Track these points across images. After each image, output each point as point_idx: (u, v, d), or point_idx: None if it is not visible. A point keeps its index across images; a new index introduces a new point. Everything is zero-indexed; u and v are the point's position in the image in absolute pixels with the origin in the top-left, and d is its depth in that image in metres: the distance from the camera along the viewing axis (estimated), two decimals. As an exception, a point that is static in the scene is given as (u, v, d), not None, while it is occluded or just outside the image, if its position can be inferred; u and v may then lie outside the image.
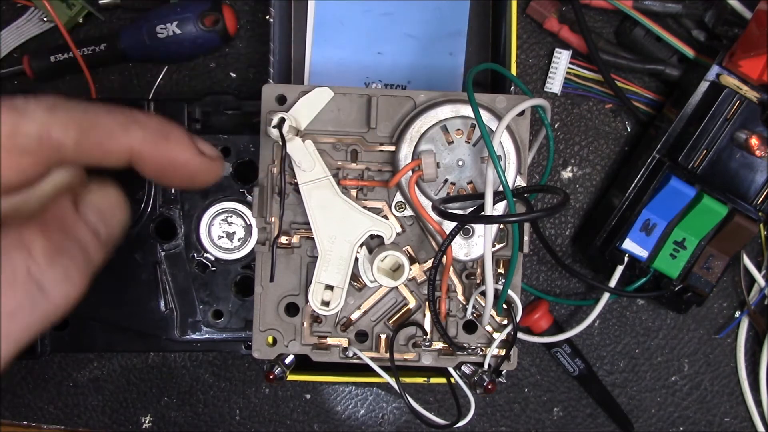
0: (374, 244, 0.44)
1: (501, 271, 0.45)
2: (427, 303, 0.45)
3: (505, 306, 0.44)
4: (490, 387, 0.44)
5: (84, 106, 0.29)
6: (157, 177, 0.31)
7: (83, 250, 0.29)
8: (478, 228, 0.43)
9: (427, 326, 0.46)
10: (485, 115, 0.43)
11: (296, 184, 0.43)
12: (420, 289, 0.46)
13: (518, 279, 0.45)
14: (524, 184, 0.44)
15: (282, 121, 0.41)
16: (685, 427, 0.60)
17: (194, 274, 0.51)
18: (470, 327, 0.46)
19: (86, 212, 0.30)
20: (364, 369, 0.45)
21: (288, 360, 0.45)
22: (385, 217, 0.44)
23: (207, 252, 0.51)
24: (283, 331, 0.45)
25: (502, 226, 0.44)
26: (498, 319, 0.45)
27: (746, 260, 0.57)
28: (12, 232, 0.27)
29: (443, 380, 0.47)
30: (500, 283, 0.44)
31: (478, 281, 0.45)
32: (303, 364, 0.46)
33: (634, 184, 0.53)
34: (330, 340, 0.45)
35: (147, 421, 0.58)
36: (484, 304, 0.43)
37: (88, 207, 0.30)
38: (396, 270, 0.43)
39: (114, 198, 0.31)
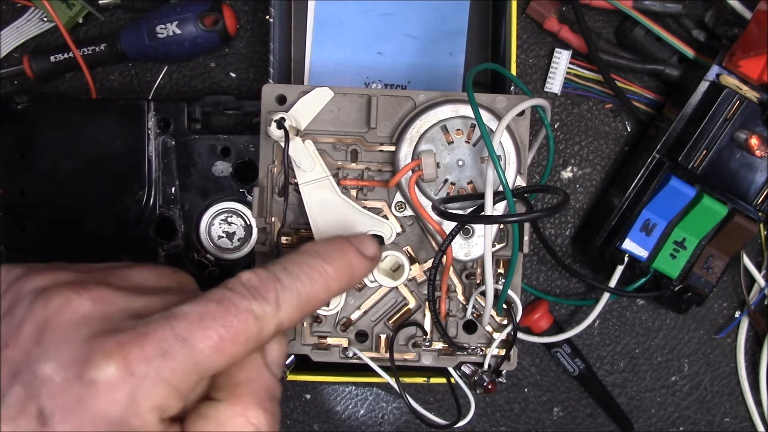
0: (374, 244, 0.44)
1: (501, 271, 0.45)
2: (427, 303, 0.45)
3: (505, 306, 0.44)
4: (490, 387, 0.44)
5: (295, 281, 0.33)
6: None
7: (276, 401, 0.34)
8: (478, 228, 0.43)
9: (427, 326, 0.46)
10: (485, 115, 0.43)
11: (296, 184, 0.43)
12: (420, 289, 0.46)
13: (518, 279, 0.45)
14: (524, 184, 0.44)
15: (282, 120, 0.41)
16: (685, 427, 0.60)
17: (194, 274, 0.51)
18: (470, 327, 0.46)
19: (274, 369, 0.34)
20: (364, 369, 0.45)
21: (288, 360, 0.45)
22: (385, 217, 0.44)
23: (207, 252, 0.51)
24: (283, 331, 0.45)
25: (502, 226, 0.44)
26: (498, 319, 0.45)
27: (746, 260, 0.57)
28: (241, 416, 0.32)
29: (443, 380, 0.47)
30: (500, 283, 0.44)
31: (478, 281, 0.45)
32: (303, 364, 0.46)
33: (634, 184, 0.53)
34: (330, 340, 0.45)
35: (147, 421, 0.58)
36: (484, 304, 0.43)
37: (274, 365, 0.35)
38: (396, 270, 0.43)
39: (285, 346, 0.36)
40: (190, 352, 0.29)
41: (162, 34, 0.53)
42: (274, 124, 0.41)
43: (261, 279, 0.33)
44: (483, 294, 0.43)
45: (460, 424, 0.45)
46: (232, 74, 0.57)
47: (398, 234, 0.45)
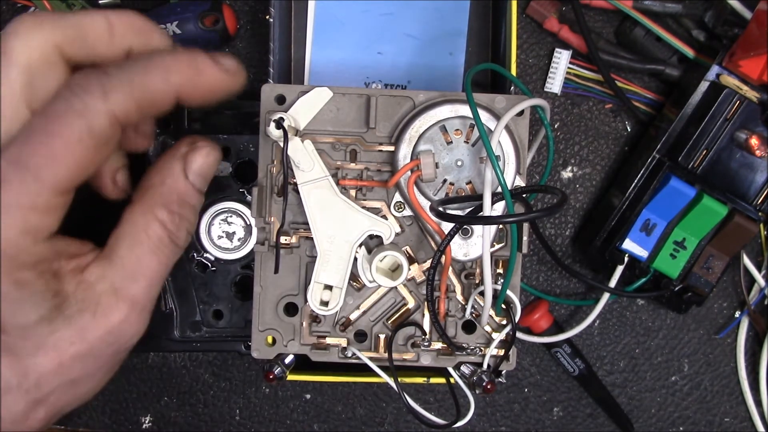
0: (373, 244, 0.44)
1: (500, 271, 0.45)
2: (426, 303, 0.45)
3: (504, 306, 0.44)
4: (489, 387, 0.44)
5: (128, 72, 0.33)
6: (200, 102, 0.36)
7: (194, 208, 0.38)
8: (477, 228, 0.43)
9: (426, 326, 0.46)
10: (484, 115, 0.43)
11: (295, 184, 0.43)
12: (419, 289, 0.46)
13: (517, 279, 0.45)
14: (523, 185, 0.44)
15: (281, 120, 0.41)
16: (685, 427, 0.60)
17: (194, 274, 0.51)
18: (469, 327, 0.46)
19: (194, 179, 0.37)
20: (364, 369, 0.45)
21: (287, 360, 0.45)
22: (384, 217, 0.44)
23: (207, 252, 0.51)
24: (282, 331, 0.45)
25: (500, 226, 0.44)
26: (497, 319, 0.45)
27: (746, 260, 0.56)
28: (148, 213, 0.36)
29: (443, 380, 0.47)
30: (499, 283, 0.44)
31: (477, 281, 0.45)
32: (303, 364, 0.46)
33: (634, 184, 0.53)
34: (329, 340, 0.45)
35: (147, 421, 0.58)
36: (483, 304, 0.43)
37: (194, 174, 0.37)
38: (395, 270, 0.43)
39: (213, 157, 0.38)
40: (28, 173, 0.31)
41: (162, 34, 0.53)
42: (273, 124, 0.41)
43: (85, 74, 0.32)
44: (482, 294, 0.43)
45: (460, 424, 0.45)
46: (232, 74, 0.57)
47: (397, 234, 0.45)
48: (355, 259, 0.43)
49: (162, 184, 0.37)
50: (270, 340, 0.45)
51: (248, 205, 0.50)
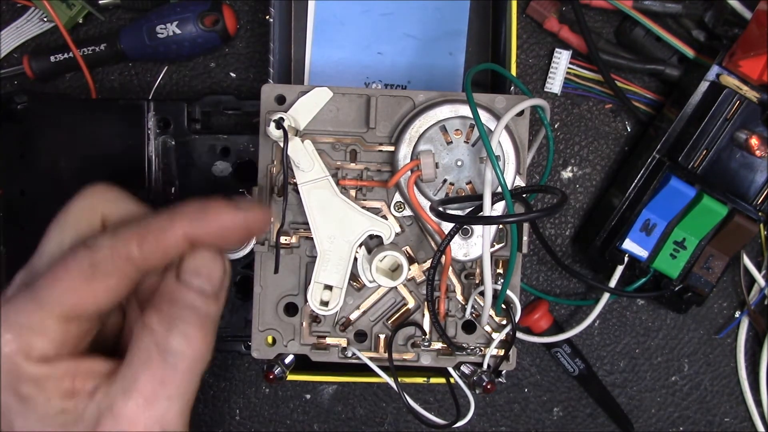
0: (373, 244, 0.44)
1: (500, 271, 0.45)
2: (426, 303, 0.45)
3: (503, 306, 0.44)
4: (489, 387, 0.44)
5: (134, 218, 0.35)
6: (219, 243, 0.36)
7: (193, 309, 0.35)
8: (477, 228, 0.43)
9: (426, 326, 0.46)
10: (484, 116, 0.43)
11: (295, 184, 0.43)
12: (419, 289, 0.46)
13: (517, 279, 0.45)
14: (523, 185, 0.44)
15: (281, 120, 0.41)
16: (685, 427, 0.60)
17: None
18: (469, 327, 0.46)
19: (186, 278, 0.35)
20: (364, 369, 0.45)
21: (288, 360, 0.45)
22: (384, 217, 0.44)
23: (207, 252, 0.51)
24: (282, 331, 0.45)
25: (500, 226, 0.44)
26: (497, 319, 0.45)
27: (746, 260, 0.56)
28: (139, 323, 0.34)
29: (443, 380, 0.47)
30: (499, 283, 0.44)
31: (477, 281, 0.45)
32: (303, 364, 0.46)
33: (634, 184, 0.53)
34: (329, 340, 0.45)
35: (147, 421, 0.58)
36: (483, 304, 0.43)
37: (186, 273, 0.35)
38: (395, 270, 0.43)
39: (205, 256, 0.36)
40: (32, 296, 0.33)
41: (162, 34, 0.53)
42: (273, 124, 0.41)
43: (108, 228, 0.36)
44: (482, 294, 0.43)
45: (460, 424, 0.45)
46: (232, 74, 0.57)
47: (397, 234, 0.45)
48: (355, 259, 0.43)
49: (157, 292, 0.35)
50: (270, 340, 0.45)
51: (248, 205, 0.50)
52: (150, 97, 0.57)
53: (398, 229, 0.45)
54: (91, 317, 0.35)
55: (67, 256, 0.34)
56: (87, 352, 0.36)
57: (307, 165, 0.43)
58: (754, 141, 0.50)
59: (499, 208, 0.42)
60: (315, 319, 0.45)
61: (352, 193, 0.44)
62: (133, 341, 0.34)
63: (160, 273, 0.36)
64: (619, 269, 0.53)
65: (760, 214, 0.51)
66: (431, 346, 0.46)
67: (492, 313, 0.45)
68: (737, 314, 0.58)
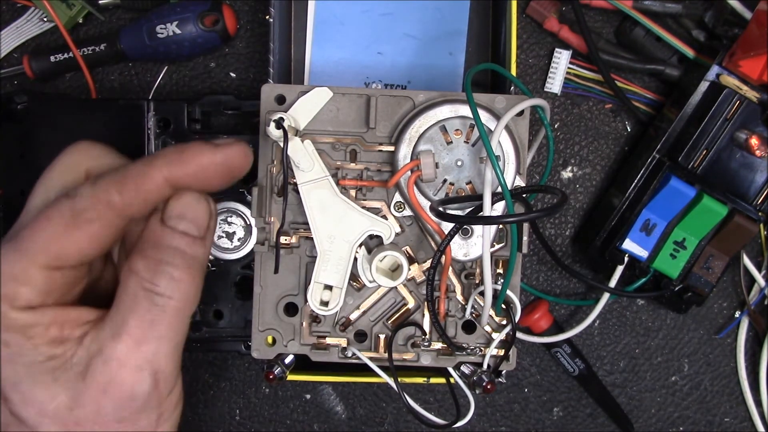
0: (373, 244, 0.44)
1: (500, 271, 0.45)
2: (426, 303, 0.45)
3: (503, 306, 0.44)
4: (489, 387, 0.44)
5: (114, 169, 0.35)
6: (202, 185, 0.36)
7: (179, 252, 0.35)
8: (477, 228, 0.43)
9: (426, 326, 0.46)
10: (484, 116, 0.43)
11: (295, 184, 0.43)
12: (419, 289, 0.46)
13: (517, 279, 0.45)
14: (523, 185, 0.44)
15: (281, 120, 0.41)
16: (685, 427, 0.60)
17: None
18: (469, 327, 0.46)
19: (170, 222, 0.35)
20: (364, 369, 0.45)
21: (288, 360, 0.45)
22: (384, 217, 0.44)
23: (207, 252, 0.51)
24: (282, 331, 0.45)
25: (500, 226, 0.44)
26: (497, 319, 0.45)
27: (746, 260, 0.56)
28: (124, 267, 0.35)
29: (443, 380, 0.47)
30: (499, 283, 0.44)
31: (477, 281, 0.45)
32: (303, 364, 0.46)
33: (634, 184, 0.53)
34: (329, 340, 0.45)
35: (147, 421, 0.58)
36: (483, 304, 0.43)
37: (170, 217, 0.35)
38: (395, 270, 0.43)
39: (189, 199, 0.36)
40: (15, 247, 0.34)
41: (162, 34, 0.53)
42: (273, 124, 0.41)
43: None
44: (482, 294, 0.43)
45: (460, 424, 0.45)
46: (232, 74, 0.57)
47: (397, 234, 0.45)
48: (355, 259, 0.43)
49: (141, 237, 0.36)
50: (270, 340, 0.45)
51: (248, 205, 0.50)
52: (150, 97, 0.57)
53: (398, 229, 0.45)
54: (75, 265, 0.35)
55: (49, 206, 0.34)
56: (76, 303, 0.36)
57: (307, 165, 0.43)
58: (754, 141, 0.50)
59: (499, 208, 0.42)
60: (315, 319, 0.45)
61: (352, 193, 0.44)
62: (120, 286, 0.35)
63: (145, 221, 0.37)
64: (619, 269, 0.53)
65: (760, 214, 0.51)
66: (431, 346, 0.46)
67: (492, 313, 0.45)
68: (737, 314, 0.58)
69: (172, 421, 0.37)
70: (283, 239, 0.45)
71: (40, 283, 0.34)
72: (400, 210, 0.44)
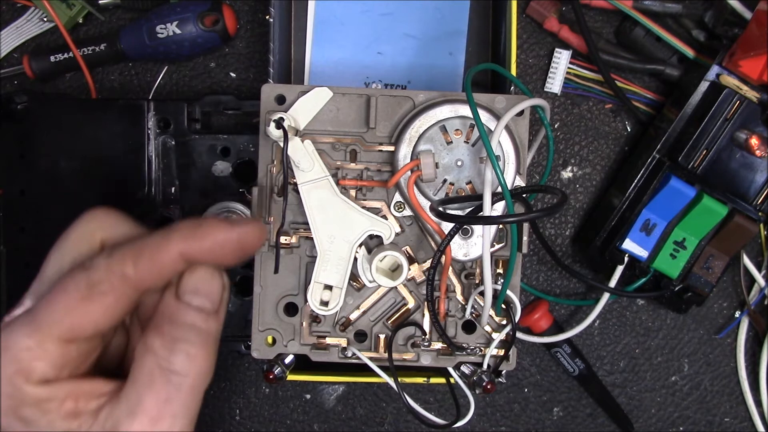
0: (373, 244, 0.44)
1: (500, 271, 0.45)
2: (426, 303, 0.45)
3: (503, 306, 0.44)
4: (489, 387, 0.44)
5: (131, 239, 0.35)
6: (215, 261, 0.36)
7: (194, 328, 0.35)
8: (477, 228, 0.43)
9: (426, 326, 0.46)
10: (484, 116, 0.43)
11: (295, 184, 0.43)
12: (419, 289, 0.46)
13: (517, 279, 0.45)
14: (523, 185, 0.44)
15: (281, 120, 0.41)
16: (685, 427, 0.59)
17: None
18: (469, 327, 0.46)
19: (185, 298, 0.35)
20: (364, 369, 0.45)
21: (288, 360, 0.45)
22: (384, 217, 0.44)
23: (207, 252, 0.51)
24: (282, 330, 0.45)
25: (500, 226, 0.44)
26: (497, 319, 0.45)
27: (746, 260, 0.56)
28: (140, 343, 0.34)
29: (443, 380, 0.47)
30: (499, 283, 0.44)
31: (477, 281, 0.45)
32: (303, 363, 0.46)
33: (634, 184, 0.53)
34: (329, 340, 0.45)
35: (147, 421, 0.58)
36: (483, 304, 0.43)
37: (185, 292, 0.35)
38: (395, 270, 0.43)
39: (203, 274, 0.36)
40: (31, 319, 0.33)
41: (162, 34, 0.53)
42: (273, 124, 0.41)
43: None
44: (482, 294, 0.43)
45: (460, 424, 0.45)
46: (232, 74, 0.57)
47: (397, 234, 0.45)
48: (355, 259, 0.43)
49: (156, 312, 0.36)
50: (270, 340, 0.45)
51: (248, 205, 0.50)
52: (150, 97, 0.57)
53: (398, 229, 0.45)
54: (90, 338, 0.35)
55: (64, 278, 0.34)
56: (90, 374, 0.36)
57: (307, 165, 0.43)
58: (754, 141, 0.50)
59: (499, 208, 0.42)
60: (315, 319, 0.45)
61: (352, 193, 0.44)
62: (135, 362, 0.34)
63: (160, 292, 0.36)
64: (619, 269, 0.53)
65: (760, 214, 0.51)
66: (431, 346, 0.46)
67: (492, 313, 0.45)
68: (737, 314, 0.59)
69: None
70: (283, 239, 0.45)
71: (55, 357, 0.34)
72: (400, 210, 0.44)
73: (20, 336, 0.33)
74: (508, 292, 0.44)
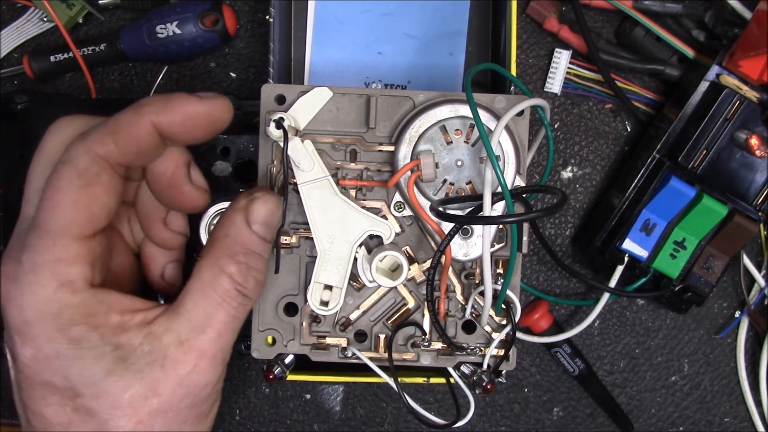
0: (373, 244, 0.44)
1: (500, 271, 0.45)
2: (426, 303, 0.45)
3: (503, 306, 0.44)
4: (489, 387, 0.44)
5: (103, 120, 0.36)
6: (187, 134, 0.37)
7: (262, 258, 0.38)
8: (477, 228, 0.43)
9: (426, 326, 0.46)
10: (484, 116, 0.43)
11: (295, 184, 0.43)
12: (419, 289, 0.46)
13: (517, 279, 0.45)
14: (523, 185, 0.44)
15: (281, 120, 0.41)
16: (685, 427, 0.60)
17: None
18: (469, 327, 0.46)
19: (255, 227, 0.38)
20: (364, 369, 0.45)
21: (288, 360, 0.45)
22: (384, 217, 0.44)
23: (207, 252, 0.51)
24: (282, 330, 0.45)
25: (500, 226, 0.44)
26: (497, 319, 0.45)
27: (746, 260, 0.56)
28: (215, 266, 0.37)
29: (443, 380, 0.47)
30: (499, 283, 0.44)
31: (477, 281, 0.45)
32: (303, 364, 0.46)
33: (634, 184, 0.53)
34: (329, 340, 0.45)
35: (147, 421, 0.58)
36: (482, 304, 0.43)
37: (255, 223, 0.38)
38: (395, 270, 0.43)
39: (271, 205, 0.38)
40: (41, 230, 0.34)
41: (162, 34, 0.53)
42: (272, 124, 0.41)
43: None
44: (482, 294, 0.43)
45: (460, 423, 0.45)
46: (232, 74, 0.57)
47: (397, 234, 0.45)
48: (355, 259, 0.43)
49: (227, 236, 0.37)
50: (270, 340, 0.45)
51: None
52: (150, 97, 0.57)
53: (398, 229, 0.45)
54: (105, 226, 0.35)
55: (51, 179, 0.34)
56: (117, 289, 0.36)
57: (307, 165, 0.42)
58: (754, 141, 0.50)
59: (499, 208, 0.42)
60: (315, 319, 0.45)
61: (352, 193, 0.44)
62: (203, 282, 0.36)
63: (139, 178, 0.39)
64: (619, 269, 0.53)
65: (760, 214, 0.51)
66: (431, 346, 0.46)
67: (492, 313, 0.45)
68: (737, 314, 0.59)
69: (218, 405, 0.39)
70: (283, 239, 0.45)
71: (86, 256, 0.34)
72: (400, 210, 0.44)
73: (42, 251, 0.33)
74: (508, 292, 0.44)
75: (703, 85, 0.51)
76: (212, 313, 0.36)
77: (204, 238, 0.50)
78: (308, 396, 0.59)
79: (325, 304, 0.43)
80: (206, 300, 0.36)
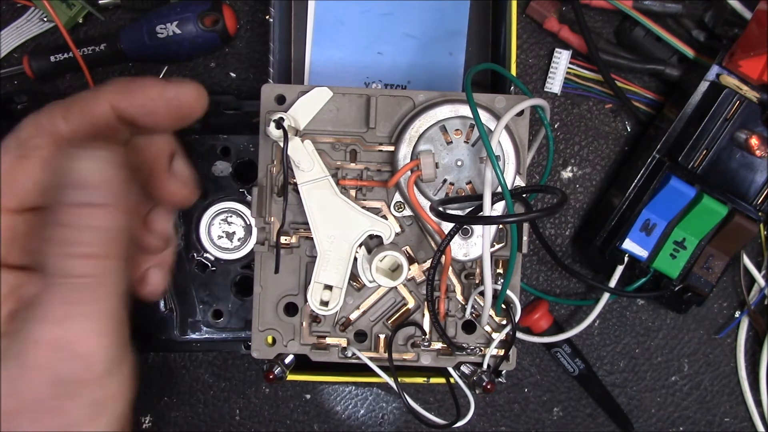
0: (373, 244, 0.44)
1: (500, 271, 0.45)
2: (426, 303, 0.45)
3: (503, 306, 0.44)
4: (489, 387, 0.44)
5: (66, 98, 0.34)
6: (150, 120, 0.35)
7: (87, 228, 0.31)
8: (477, 228, 0.43)
9: (426, 326, 0.46)
10: (484, 115, 0.43)
11: (295, 184, 0.43)
12: (419, 289, 0.46)
13: (517, 279, 0.45)
14: (523, 185, 0.44)
15: (281, 120, 0.41)
16: (685, 427, 0.59)
17: (194, 274, 0.51)
18: (469, 327, 0.46)
19: (67, 196, 0.30)
20: (364, 369, 0.45)
21: (287, 360, 0.45)
22: (384, 217, 0.44)
23: (207, 252, 0.51)
24: (282, 330, 0.45)
25: (500, 226, 0.44)
26: (497, 319, 0.45)
27: (746, 260, 0.56)
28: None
29: (443, 380, 0.47)
30: (499, 283, 0.44)
31: (477, 281, 0.45)
32: (303, 364, 0.46)
33: (634, 184, 0.53)
34: (329, 340, 0.45)
35: (147, 421, 0.58)
36: (482, 304, 0.43)
37: (66, 189, 0.30)
38: (395, 270, 0.43)
39: (83, 158, 0.31)
40: None
41: (162, 34, 0.53)
42: (273, 124, 0.41)
43: None
44: (482, 294, 0.43)
45: (460, 423, 0.45)
46: (232, 74, 0.57)
47: (397, 234, 0.45)
48: (355, 259, 0.43)
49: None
50: (270, 340, 0.45)
51: (248, 205, 0.50)
52: (150, 97, 0.57)
53: (398, 229, 0.45)
54: (32, 199, 0.32)
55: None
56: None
57: (307, 165, 0.43)
58: (754, 141, 0.50)
59: (499, 208, 0.42)
60: (315, 319, 0.45)
61: (352, 193, 0.44)
62: (41, 266, 0.31)
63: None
64: (619, 269, 0.53)
65: (760, 214, 0.51)
66: (431, 346, 0.46)
67: (492, 313, 0.45)
68: (737, 314, 0.59)
69: (115, 414, 0.33)
70: (283, 239, 0.45)
71: (4, 230, 0.32)
72: (400, 210, 0.44)
73: None
74: (508, 292, 0.44)
75: (703, 85, 0.51)
76: (42, 296, 0.30)
77: (204, 238, 0.51)
78: (308, 396, 0.59)
79: (325, 304, 0.43)
80: (42, 285, 0.31)
